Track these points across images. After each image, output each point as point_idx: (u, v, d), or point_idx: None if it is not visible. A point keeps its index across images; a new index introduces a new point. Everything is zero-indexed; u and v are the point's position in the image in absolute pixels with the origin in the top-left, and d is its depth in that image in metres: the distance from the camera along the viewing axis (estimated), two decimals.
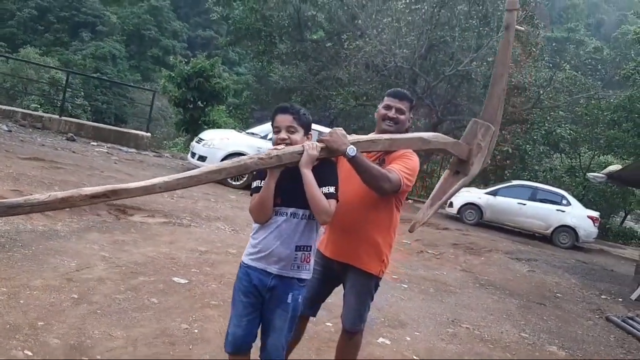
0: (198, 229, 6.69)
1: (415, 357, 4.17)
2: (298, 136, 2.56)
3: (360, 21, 16.04)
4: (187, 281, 4.61)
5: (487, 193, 14.64)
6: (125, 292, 4.09)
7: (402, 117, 3.02)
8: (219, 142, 10.66)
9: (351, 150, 2.61)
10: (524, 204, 14.22)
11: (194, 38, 60.08)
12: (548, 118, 17.21)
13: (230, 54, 49.34)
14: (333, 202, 2.54)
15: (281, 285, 2.57)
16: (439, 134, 3.20)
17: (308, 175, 2.47)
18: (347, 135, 2.69)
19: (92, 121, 16.25)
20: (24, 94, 24.27)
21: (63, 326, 3.32)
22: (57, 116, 12.25)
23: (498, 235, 13.23)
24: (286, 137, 2.54)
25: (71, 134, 11.30)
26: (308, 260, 2.62)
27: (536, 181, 16.26)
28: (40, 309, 3.48)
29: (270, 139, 10.77)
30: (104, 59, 50.74)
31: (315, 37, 21.22)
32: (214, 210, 7.90)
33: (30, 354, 2.92)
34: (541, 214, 14.15)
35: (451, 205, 14.75)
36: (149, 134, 13.00)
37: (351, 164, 2.69)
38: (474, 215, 14.49)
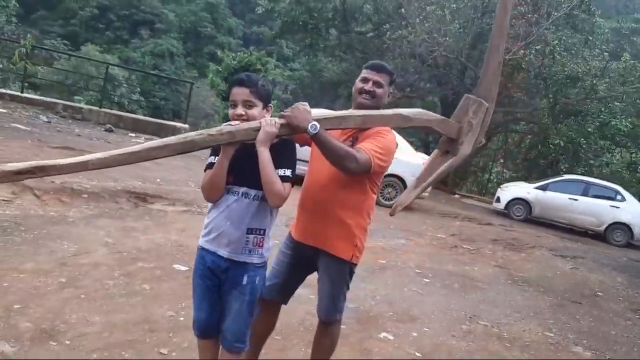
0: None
1: (417, 354, 3.89)
2: (256, 111, 2.36)
3: (403, 10, 15.60)
4: (187, 268, 4.49)
5: (536, 188, 13.92)
6: (118, 278, 4.01)
7: (379, 90, 2.77)
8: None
9: (312, 128, 2.36)
10: (576, 200, 13.45)
11: (249, 34, 60.77)
12: (603, 109, 16.24)
13: (284, 49, 49.55)
14: (288, 185, 2.34)
15: (235, 268, 2.40)
16: (422, 110, 2.91)
17: (264, 154, 2.27)
18: (312, 111, 2.46)
19: (150, 116, 16.57)
20: (85, 89, 25.03)
21: (39, 310, 3.25)
22: (97, 108, 12.49)
23: (545, 231, 12.58)
24: (243, 112, 2.34)
25: (109, 125, 11.49)
26: (261, 244, 2.43)
27: (591, 176, 15.36)
28: (22, 292, 3.43)
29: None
30: (162, 56, 52.04)
31: (361, 29, 20.91)
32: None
33: None
34: (594, 210, 13.35)
35: (498, 200, 14.16)
36: (186, 126, 13.07)
37: (314, 142, 2.46)
38: (522, 211, 13.82)
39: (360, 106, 2.78)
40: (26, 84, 17.50)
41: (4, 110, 10.35)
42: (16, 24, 19.33)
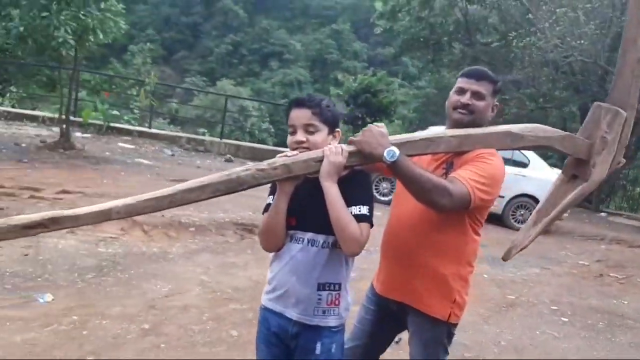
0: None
1: None
2: (320, 137, 1.89)
3: (531, 15, 14.41)
4: None
5: None
6: (206, 323, 3.72)
7: (479, 103, 2.18)
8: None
9: (389, 154, 1.83)
10: None
11: (373, 56, 60.91)
12: None
13: (410, 68, 49.07)
14: (365, 226, 1.84)
15: (306, 333, 1.93)
16: (538, 125, 2.27)
17: (331, 190, 1.81)
18: (395, 136, 1.94)
19: (276, 145, 16.83)
20: (222, 123, 26.36)
21: None
22: (218, 139, 12.80)
23: None
24: (304, 139, 1.88)
25: (229, 155, 11.68)
26: (337, 302, 1.94)
27: None
28: (100, 341, 3.23)
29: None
30: (291, 85, 53.86)
31: (486, 40, 19.82)
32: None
33: None
34: None
35: None
36: None
37: (393, 173, 1.92)
38: None
39: (456, 124, 2.21)
40: (167, 119, 18.67)
41: (132, 146, 10.90)
42: (151, 64, 20.84)
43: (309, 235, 1.90)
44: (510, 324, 4.72)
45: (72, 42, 7.93)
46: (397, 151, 1.85)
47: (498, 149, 2.21)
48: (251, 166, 1.87)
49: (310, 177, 1.87)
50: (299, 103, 1.92)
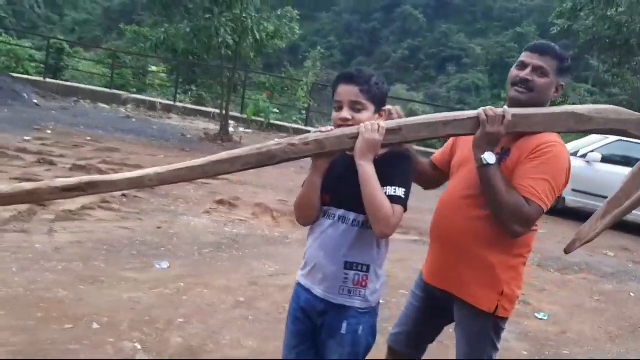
0: None
1: None
2: (365, 115, 1.84)
3: None
4: (384, 301, 4.07)
5: None
6: None
7: (541, 80, 1.98)
8: None
9: (490, 157, 1.86)
10: None
11: None
12: None
13: (601, 73, 44.93)
14: (399, 208, 1.78)
15: (332, 312, 1.91)
16: (609, 106, 1.99)
17: (365, 168, 1.77)
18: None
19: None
20: None
21: (199, 327, 3.24)
22: None
23: None
24: (349, 116, 1.84)
25: None
26: (364, 284, 1.88)
27: None
28: (195, 307, 3.50)
29: (580, 156, 9.12)
30: (467, 89, 52.43)
31: None
32: None
33: (139, 347, 2.90)
34: None
35: None
36: None
37: (480, 175, 1.90)
38: None
39: (513, 102, 2.03)
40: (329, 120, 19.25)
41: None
42: (320, 68, 21.74)
43: (341, 212, 1.87)
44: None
45: (230, 42, 8.63)
46: (494, 159, 1.84)
47: (560, 133, 2.00)
48: (283, 141, 1.90)
49: (348, 154, 1.85)
50: (347, 78, 1.87)
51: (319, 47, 22.15)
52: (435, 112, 19.02)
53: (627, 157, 9.01)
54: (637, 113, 1.98)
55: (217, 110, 13.07)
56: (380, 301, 1.98)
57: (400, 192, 1.79)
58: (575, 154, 9.03)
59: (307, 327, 1.98)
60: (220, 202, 6.14)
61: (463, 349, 2.11)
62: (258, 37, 9.27)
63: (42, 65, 16.41)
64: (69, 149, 7.56)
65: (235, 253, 4.63)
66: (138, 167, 6.98)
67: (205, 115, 13.17)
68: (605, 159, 8.92)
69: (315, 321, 1.95)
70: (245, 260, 4.47)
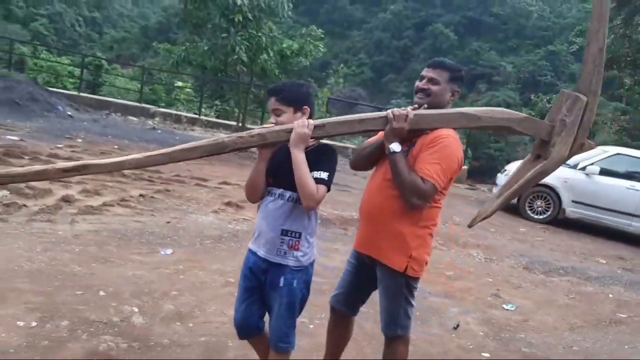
0: (443, 252, 6.43)
1: None
2: (285, 117, 2.39)
3: None
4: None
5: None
6: None
7: (434, 87, 2.53)
8: None
9: (395, 147, 2.39)
10: None
11: None
12: None
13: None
14: (322, 188, 2.32)
15: (272, 270, 2.44)
16: (497, 108, 2.51)
17: (297, 155, 2.29)
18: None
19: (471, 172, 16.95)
20: None
21: (189, 299, 3.80)
22: None
23: None
24: (274, 121, 2.41)
25: None
26: (297, 247, 2.42)
27: None
28: (188, 283, 4.06)
29: (580, 169, 9.45)
30: (498, 106, 52.18)
31: None
32: (479, 238, 7.39)
33: (136, 310, 3.47)
34: None
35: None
36: (465, 167, 12.93)
37: (390, 161, 2.44)
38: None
39: (418, 106, 2.56)
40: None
41: None
42: (343, 84, 22.40)
43: (280, 190, 2.41)
44: (600, 336, 4.51)
45: (245, 59, 9.29)
46: (399, 148, 2.38)
47: (455, 128, 2.52)
48: (234, 134, 2.47)
49: (286, 145, 2.39)
50: (269, 93, 2.46)
51: (342, 65, 22.80)
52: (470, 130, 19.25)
53: (624, 170, 9.33)
54: (520, 113, 2.50)
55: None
56: (314, 261, 2.50)
57: (324, 175, 2.33)
58: (575, 166, 9.38)
59: (253, 284, 2.51)
60: (228, 204, 6.72)
61: (384, 304, 2.62)
62: (272, 54, 9.93)
63: (79, 81, 17.45)
64: (96, 155, 8.26)
65: (234, 245, 5.19)
66: (157, 172, 7.65)
67: (227, 127, 13.86)
68: (603, 172, 9.25)
69: (260, 277, 2.48)
70: (242, 251, 4.96)
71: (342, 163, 12.30)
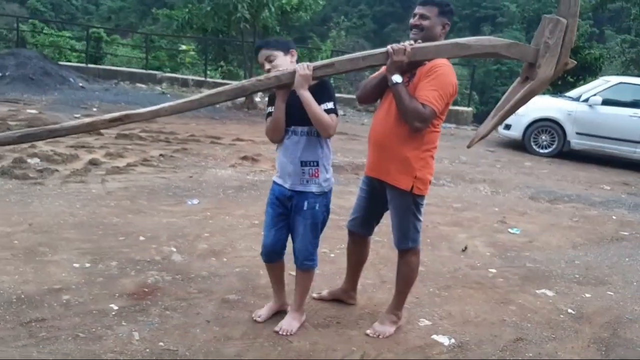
0: (451, 188, 6.77)
1: (570, 311, 3.52)
2: (280, 60, 2.71)
3: None
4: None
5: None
6: None
7: (425, 22, 2.81)
8: (523, 109, 10.02)
9: (396, 78, 2.67)
10: None
11: (600, 13, 55.19)
12: None
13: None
14: (334, 116, 2.68)
15: (297, 196, 2.80)
16: (485, 36, 2.79)
17: (305, 95, 2.61)
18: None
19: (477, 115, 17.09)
20: None
21: (220, 239, 4.18)
22: None
23: None
24: (269, 67, 2.71)
25: None
26: (317, 174, 2.77)
27: None
28: (217, 227, 4.45)
29: (583, 101, 9.64)
30: None
31: None
32: (485, 174, 7.72)
33: (174, 250, 3.86)
34: None
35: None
36: (470, 109, 13.13)
37: (392, 92, 2.73)
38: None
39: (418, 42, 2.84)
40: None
41: None
42: (345, 36, 22.46)
43: (292, 128, 2.75)
44: (601, 251, 4.87)
45: (248, 16, 9.48)
46: (400, 79, 2.67)
47: (449, 58, 2.81)
48: (252, 79, 2.78)
49: (290, 91, 2.69)
50: (256, 49, 2.82)
51: (342, 17, 22.71)
52: (473, 72, 19.48)
53: (626, 99, 9.51)
54: (506, 40, 2.78)
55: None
56: (332, 188, 2.84)
57: (330, 105, 2.69)
58: (577, 98, 9.58)
59: (282, 211, 2.88)
60: (244, 158, 7.06)
61: (395, 221, 2.97)
62: (273, 10, 10.10)
63: (83, 54, 17.64)
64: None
65: (254, 193, 5.55)
66: (172, 133, 8.01)
67: None
68: (606, 102, 9.44)
69: (287, 205, 2.83)
70: (262, 198, 5.33)
71: (350, 114, 12.69)
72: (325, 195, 2.85)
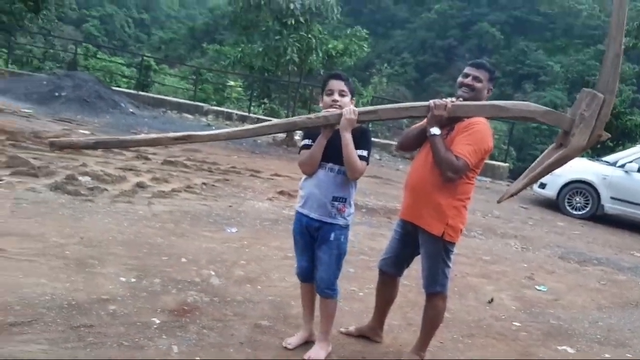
0: (482, 241, 6.87)
1: None
2: (347, 99, 2.98)
3: None
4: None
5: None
6: None
7: (478, 84, 3.04)
8: (559, 169, 10.08)
9: (435, 130, 2.91)
10: None
11: None
12: None
13: None
14: (364, 163, 2.92)
15: (324, 227, 3.02)
16: (525, 102, 3.01)
17: (347, 137, 2.86)
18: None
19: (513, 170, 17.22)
20: None
21: (255, 267, 4.40)
22: None
23: None
24: (338, 98, 2.97)
25: None
26: (343, 209, 3.00)
27: None
28: (253, 256, 4.67)
29: (619, 166, 9.69)
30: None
31: None
32: (517, 230, 7.79)
33: (212, 273, 4.09)
34: None
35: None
36: (506, 164, 13.22)
37: (430, 141, 2.96)
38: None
39: (460, 99, 3.08)
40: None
41: None
42: (386, 83, 22.99)
43: (330, 164, 2.98)
44: (625, 315, 4.89)
45: (296, 59, 9.91)
46: (439, 132, 2.90)
47: (487, 117, 3.02)
48: (303, 116, 3.05)
49: (337, 129, 2.93)
50: (337, 76, 3.04)
51: (385, 65, 23.23)
52: (511, 128, 19.60)
53: None
54: (542, 106, 2.98)
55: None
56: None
57: (365, 153, 2.92)
58: (614, 163, 9.63)
59: (308, 240, 3.10)
60: (281, 193, 7.33)
61: (425, 264, 3.14)
62: (321, 55, 10.54)
63: (132, 80, 18.45)
64: (161, 148, 8.99)
65: (289, 227, 5.68)
66: (215, 164, 8.34)
67: None
68: None
69: (314, 235, 3.05)
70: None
71: (386, 159, 12.90)
72: (349, 228, 3.07)
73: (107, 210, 5.21)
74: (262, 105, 16.57)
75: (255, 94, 16.88)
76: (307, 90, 15.87)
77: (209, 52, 25.63)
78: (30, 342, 2.77)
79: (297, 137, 12.45)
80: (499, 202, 3.10)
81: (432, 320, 3.19)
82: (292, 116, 13.24)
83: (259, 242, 5.07)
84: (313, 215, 3.02)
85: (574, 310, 4.83)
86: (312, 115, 2.99)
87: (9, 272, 3.50)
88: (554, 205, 10.17)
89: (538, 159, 3.06)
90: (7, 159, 6.39)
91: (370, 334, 3.47)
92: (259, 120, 15.07)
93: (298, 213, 3.13)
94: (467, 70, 3.10)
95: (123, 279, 3.70)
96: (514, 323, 4.24)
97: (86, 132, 9.59)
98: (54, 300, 3.23)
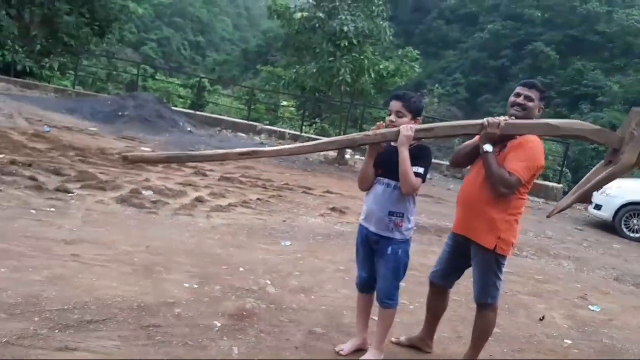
0: (533, 260, 6.84)
1: None
2: (404, 120, 3.08)
3: None
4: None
5: None
6: None
7: (530, 103, 3.15)
8: (616, 191, 9.91)
9: (488, 147, 3.03)
10: None
11: None
12: None
13: None
14: (419, 180, 3.02)
15: (382, 241, 3.16)
16: (575, 120, 3.09)
17: (403, 152, 2.98)
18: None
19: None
20: None
21: (308, 279, 4.57)
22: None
23: None
24: (394, 119, 3.11)
25: None
26: (400, 224, 3.11)
27: None
28: (308, 268, 4.85)
29: None
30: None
31: None
32: (570, 251, 7.69)
33: (268, 283, 4.29)
34: None
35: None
36: (560, 185, 12.98)
37: (482, 158, 3.08)
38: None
39: (512, 117, 3.19)
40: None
41: None
42: (437, 103, 23.03)
43: (386, 180, 3.12)
44: None
45: (349, 80, 10.16)
46: (491, 149, 3.02)
47: (539, 135, 3.12)
48: (361, 133, 3.22)
49: (393, 145, 3.08)
50: (396, 97, 3.16)
51: (436, 85, 23.22)
52: (566, 150, 19.30)
53: None
54: (593, 125, 3.07)
55: None
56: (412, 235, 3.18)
57: (420, 170, 3.02)
58: None
59: (368, 251, 3.24)
60: (333, 209, 7.51)
61: (476, 276, 3.24)
62: (373, 75, 10.75)
63: (188, 101, 19.16)
64: (217, 165, 9.36)
65: (341, 242, 5.93)
66: (269, 180, 8.62)
67: None
68: None
69: (372, 246, 3.19)
70: (348, 247, 5.73)
71: (437, 178, 12.93)
72: (407, 242, 3.17)
73: (169, 222, 5.52)
74: (314, 125, 16.91)
75: (307, 114, 17.23)
76: (357, 110, 16.09)
77: (262, 73, 26.30)
78: (105, 338, 3.02)
79: (347, 156, 12.66)
80: (548, 216, 3.19)
81: (482, 331, 3.28)
82: (343, 134, 13.61)
83: (312, 255, 5.25)
84: (372, 228, 3.15)
85: (628, 330, 4.77)
86: (370, 132, 3.14)
87: (84, 275, 3.80)
88: (609, 227, 9.96)
89: (586, 176, 3.12)
90: (77, 173, 6.84)
91: (420, 345, 3.57)
92: (310, 139, 15.36)
93: (360, 225, 3.29)
94: (518, 89, 3.21)
95: (186, 285, 3.94)
96: (565, 340, 4.24)
97: (147, 149, 10.07)
98: (125, 301, 3.50)
